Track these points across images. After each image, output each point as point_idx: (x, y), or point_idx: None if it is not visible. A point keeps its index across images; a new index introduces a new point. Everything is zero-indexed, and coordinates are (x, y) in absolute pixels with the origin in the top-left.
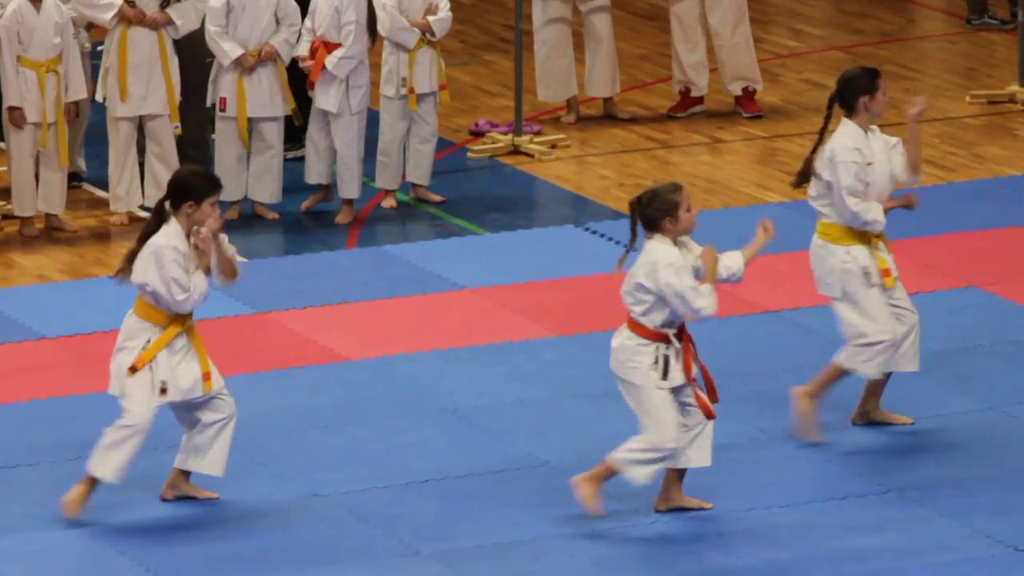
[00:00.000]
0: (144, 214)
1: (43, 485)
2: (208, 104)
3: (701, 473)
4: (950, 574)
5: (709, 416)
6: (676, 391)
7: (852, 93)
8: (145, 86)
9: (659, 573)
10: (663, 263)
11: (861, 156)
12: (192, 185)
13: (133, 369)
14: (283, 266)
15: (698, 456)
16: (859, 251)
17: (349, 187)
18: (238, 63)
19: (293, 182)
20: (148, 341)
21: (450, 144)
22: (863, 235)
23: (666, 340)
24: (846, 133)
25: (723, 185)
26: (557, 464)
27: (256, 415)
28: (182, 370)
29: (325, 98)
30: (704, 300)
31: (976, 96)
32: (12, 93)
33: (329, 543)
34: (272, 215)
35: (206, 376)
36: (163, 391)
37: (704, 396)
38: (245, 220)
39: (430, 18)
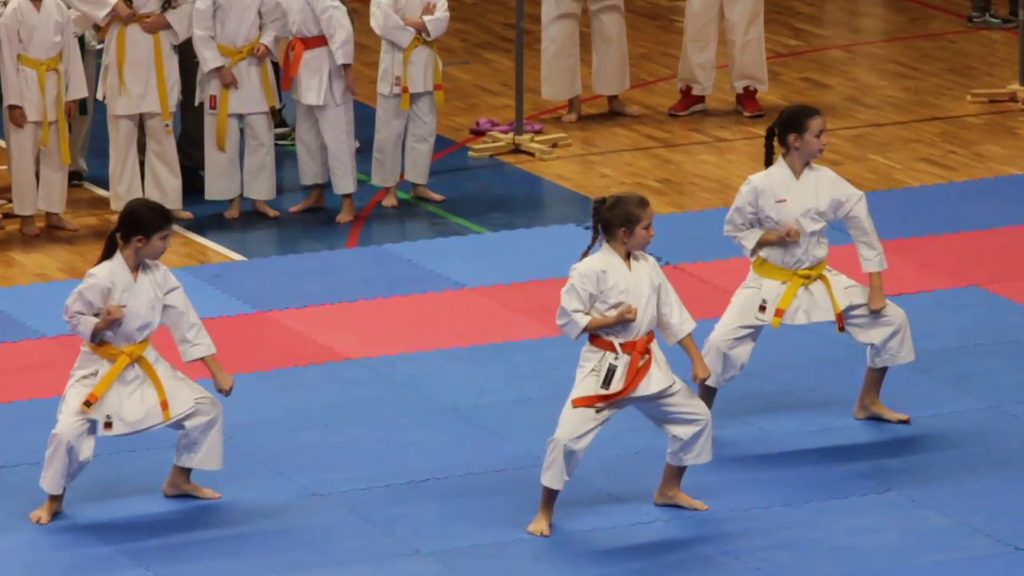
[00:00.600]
0: None
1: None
2: (196, 103)
3: (703, 471)
4: (951, 573)
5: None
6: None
7: (783, 130)
8: (144, 84)
9: (659, 572)
10: (574, 272)
11: (769, 192)
12: (142, 219)
13: (88, 404)
14: (283, 265)
15: (699, 454)
16: (769, 285)
17: (343, 182)
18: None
19: (293, 180)
20: (96, 373)
21: (451, 143)
22: (785, 272)
23: (612, 349)
24: (769, 170)
25: (724, 184)
26: None
27: (256, 414)
28: (131, 402)
29: (308, 93)
30: (564, 321)
31: (977, 95)
32: (12, 92)
33: (329, 542)
34: (273, 212)
35: (163, 405)
36: (107, 425)
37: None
38: (245, 218)
39: (426, 18)
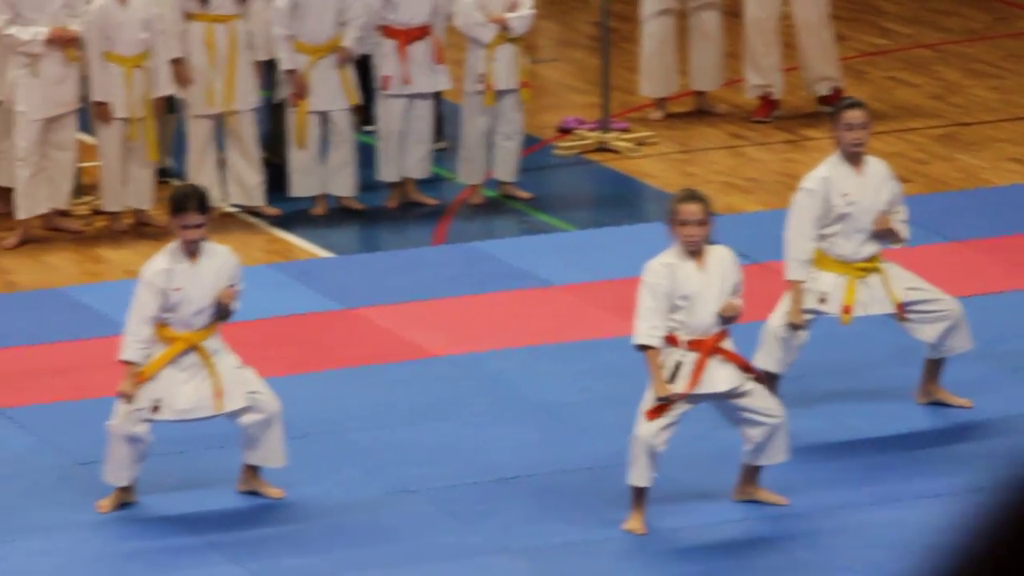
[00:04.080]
0: (232, 209)
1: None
2: (276, 100)
3: (792, 468)
4: None
5: (649, 417)
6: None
7: (832, 122)
8: (223, 82)
9: (747, 570)
10: (646, 269)
11: (824, 186)
12: (171, 203)
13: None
14: (370, 262)
15: (774, 454)
16: (825, 278)
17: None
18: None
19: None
20: (148, 355)
21: (537, 141)
22: (841, 265)
23: (677, 345)
24: (824, 163)
25: None
26: None
27: (345, 411)
28: (184, 390)
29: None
30: (637, 336)
31: None
32: (99, 88)
33: (417, 539)
34: (359, 206)
35: (217, 394)
36: (155, 408)
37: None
38: (332, 215)
39: (508, 15)
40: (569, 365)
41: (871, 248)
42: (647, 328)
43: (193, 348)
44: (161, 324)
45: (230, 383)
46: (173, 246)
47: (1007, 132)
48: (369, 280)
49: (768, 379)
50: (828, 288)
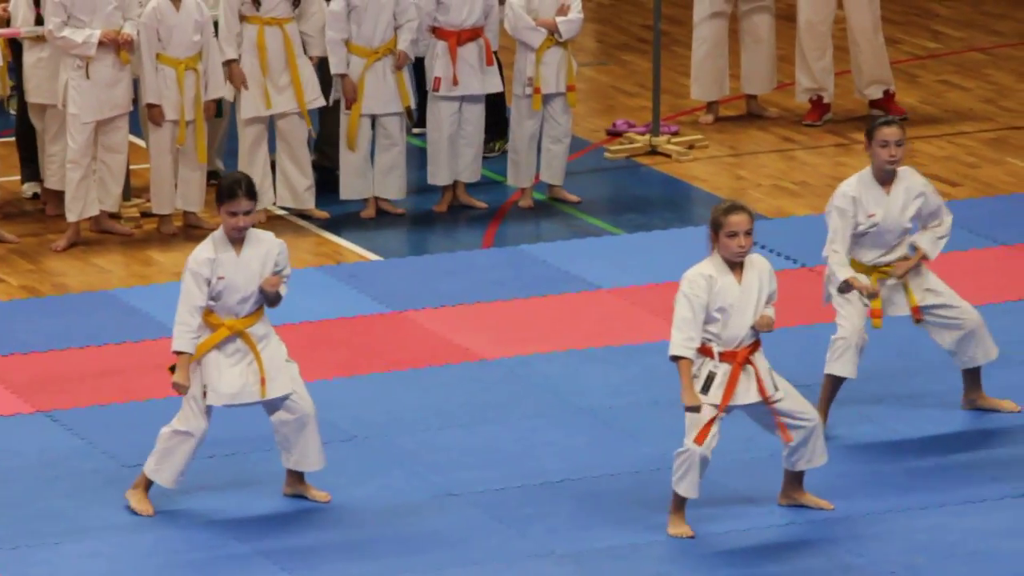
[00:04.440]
0: (281, 212)
1: (181, 483)
2: (330, 102)
3: (831, 470)
4: None
5: (698, 442)
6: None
7: (867, 136)
8: (275, 85)
9: (792, 574)
10: (684, 279)
11: (852, 205)
12: (218, 191)
13: (173, 368)
14: (418, 265)
15: (812, 458)
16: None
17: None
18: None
19: (423, 179)
20: (195, 340)
21: (587, 144)
22: (864, 268)
23: (711, 356)
24: (853, 177)
25: None
26: None
27: (391, 414)
28: (229, 376)
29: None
30: (673, 347)
31: None
32: (151, 90)
33: (463, 542)
34: (399, 211)
35: (262, 381)
36: (203, 394)
37: (784, 422)
38: (381, 218)
39: (558, 19)
40: (616, 369)
41: (894, 256)
42: (682, 339)
43: (239, 335)
44: (207, 311)
45: (275, 370)
46: (218, 235)
47: None
48: (417, 283)
49: (834, 385)
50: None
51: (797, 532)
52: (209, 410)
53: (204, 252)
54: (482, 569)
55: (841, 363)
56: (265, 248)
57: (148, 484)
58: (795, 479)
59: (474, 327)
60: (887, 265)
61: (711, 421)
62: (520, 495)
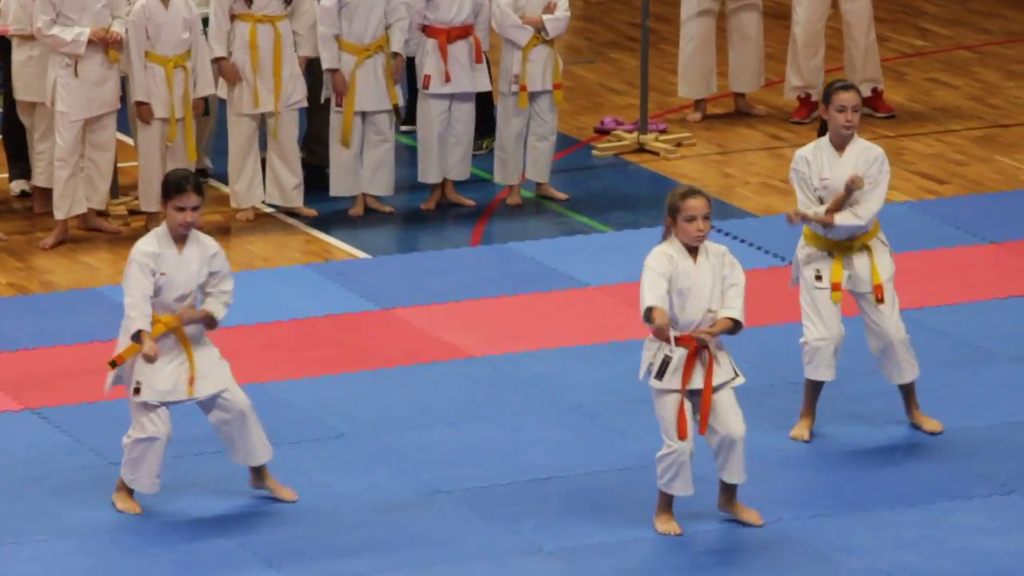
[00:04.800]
0: (269, 210)
1: (167, 480)
2: (322, 100)
3: (825, 468)
4: None
5: (681, 436)
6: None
7: (824, 100)
8: (267, 83)
9: (780, 571)
10: (647, 260)
11: (806, 166)
12: (163, 187)
13: (113, 364)
14: (407, 262)
15: (730, 471)
16: (816, 254)
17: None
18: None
19: (412, 177)
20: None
21: (575, 142)
22: (829, 242)
23: (668, 340)
24: (811, 143)
25: None
26: None
27: (380, 411)
28: (164, 373)
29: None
30: (645, 301)
31: None
32: (140, 88)
33: (451, 539)
34: (387, 208)
35: (190, 380)
36: (136, 391)
37: (688, 413)
38: (369, 216)
39: (545, 17)
40: (604, 366)
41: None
42: (653, 296)
43: (173, 331)
44: None
45: (206, 369)
46: (161, 231)
47: None
48: (405, 281)
49: (814, 388)
50: (820, 265)
51: (785, 529)
52: (163, 409)
53: (148, 246)
54: (470, 566)
55: (813, 367)
56: (204, 250)
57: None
58: (726, 488)
59: (462, 325)
60: (851, 240)
61: (681, 409)
62: (508, 492)
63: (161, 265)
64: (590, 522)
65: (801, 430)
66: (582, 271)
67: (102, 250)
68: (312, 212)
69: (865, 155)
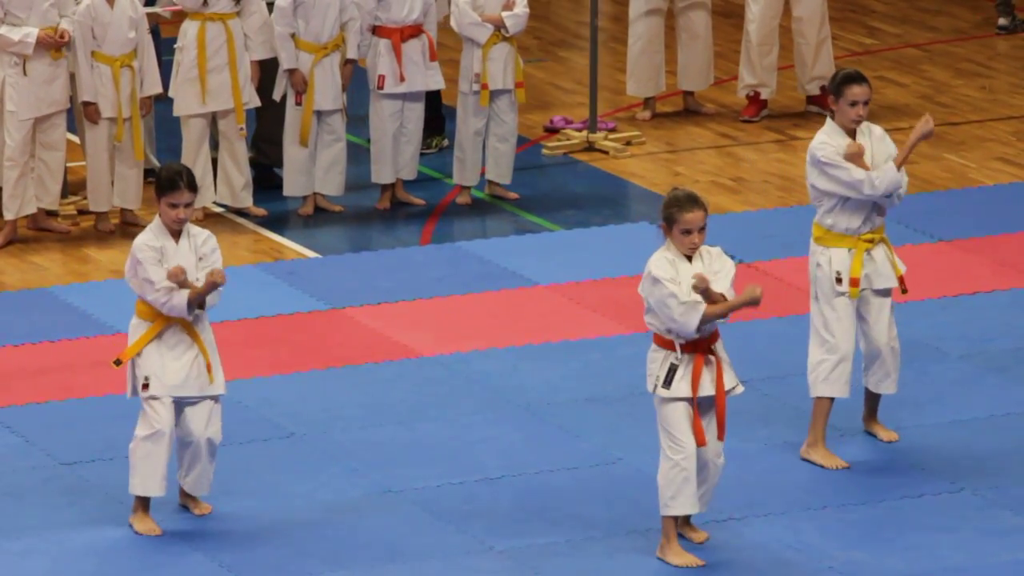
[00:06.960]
0: (219, 209)
1: (119, 480)
2: (277, 98)
3: (779, 463)
4: None
5: (699, 443)
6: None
7: (830, 91)
8: (217, 82)
9: (732, 571)
10: (649, 272)
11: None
12: (157, 183)
13: (117, 362)
14: (357, 262)
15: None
16: (838, 255)
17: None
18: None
19: (364, 177)
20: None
21: (525, 140)
22: (849, 239)
23: (673, 349)
24: (822, 131)
25: (797, 183)
26: (631, 461)
27: (330, 411)
28: (174, 366)
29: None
30: (681, 310)
31: None
32: (87, 88)
33: (402, 539)
34: (337, 208)
35: (208, 368)
36: (145, 385)
37: (702, 422)
38: (319, 215)
39: (504, 14)
40: (555, 365)
41: (874, 221)
42: (685, 302)
43: (177, 324)
44: (144, 303)
45: (216, 361)
46: (156, 225)
47: (994, 132)
48: (356, 280)
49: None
50: (841, 266)
51: (735, 527)
52: (169, 405)
53: (149, 240)
54: (420, 565)
55: (830, 384)
56: (195, 239)
57: (145, 504)
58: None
59: (413, 324)
60: (870, 233)
61: (696, 416)
62: (458, 492)
63: (163, 257)
64: (540, 522)
65: (835, 459)
66: (532, 270)
67: (52, 250)
68: (262, 212)
69: (875, 133)
